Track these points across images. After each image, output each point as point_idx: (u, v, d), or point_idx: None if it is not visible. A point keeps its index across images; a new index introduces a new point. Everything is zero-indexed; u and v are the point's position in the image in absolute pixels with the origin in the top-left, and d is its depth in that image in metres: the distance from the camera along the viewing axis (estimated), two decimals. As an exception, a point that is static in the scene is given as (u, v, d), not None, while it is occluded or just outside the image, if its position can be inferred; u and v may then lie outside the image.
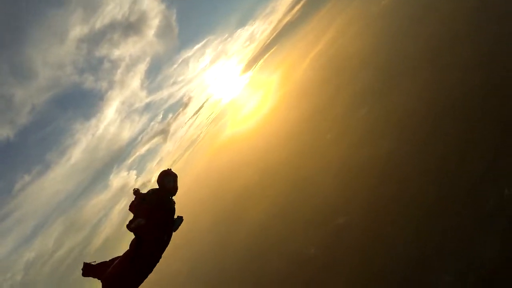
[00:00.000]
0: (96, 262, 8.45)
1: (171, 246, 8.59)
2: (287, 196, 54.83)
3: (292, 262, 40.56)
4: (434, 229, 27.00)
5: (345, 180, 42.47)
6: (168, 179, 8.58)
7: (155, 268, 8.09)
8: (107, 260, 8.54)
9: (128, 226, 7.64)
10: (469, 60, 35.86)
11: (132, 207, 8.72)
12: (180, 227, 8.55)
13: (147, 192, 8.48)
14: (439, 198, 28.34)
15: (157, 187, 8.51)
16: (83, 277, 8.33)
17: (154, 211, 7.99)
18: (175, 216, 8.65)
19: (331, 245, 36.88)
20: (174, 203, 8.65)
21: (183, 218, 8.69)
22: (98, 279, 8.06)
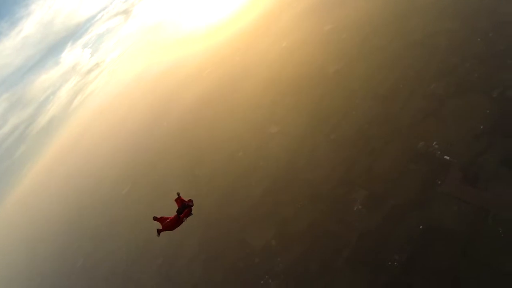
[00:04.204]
0: (160, 216, 17.06)
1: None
2: (227, 99, 54.52)
3: (223, 162, 40.94)
4: (367, 149, 27.65)
5: (291, 91, 42.10)
6: (191, 204, 16.97)
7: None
8: (165, 216, 17.03)
9: (182, 216, 16.46)
10: (445, 10, 34.76)
11: (178, 203, 17.11)
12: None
13: (185, 204, 16.83)
14: (380, 121, 28.91)
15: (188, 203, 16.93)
16: (153, 220, 16.77)
17: (187, 211, 16.52)
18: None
19: (258, 150, 37.61)
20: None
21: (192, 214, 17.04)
22: (160, 223, 16.61)
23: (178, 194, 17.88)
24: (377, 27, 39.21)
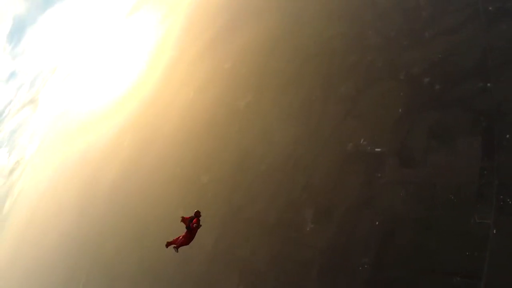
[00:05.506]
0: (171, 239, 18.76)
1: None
2: (150, 162, 53.31)
3: (166, 224, 39.68)
4: (299, 168, 27.46)
5: (209, 136, 42.07)
6: (198, 219, 18.42)
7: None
8: (176, 237, 18.75)
9: (194, 228, 18.28)
10: (335, 12, 35.76)
11: (185, 222, 18.43)
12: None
13: (192, 217, 18.48)
14: (303, 138, 28.97)
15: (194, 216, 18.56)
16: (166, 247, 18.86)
17: (196, 220, 18.23)
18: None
19: (197, 204, 36.34)
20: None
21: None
22: (173, 244, 18.46)
23: (181, 217, 19.33)
24: (274, 50, 39.87)
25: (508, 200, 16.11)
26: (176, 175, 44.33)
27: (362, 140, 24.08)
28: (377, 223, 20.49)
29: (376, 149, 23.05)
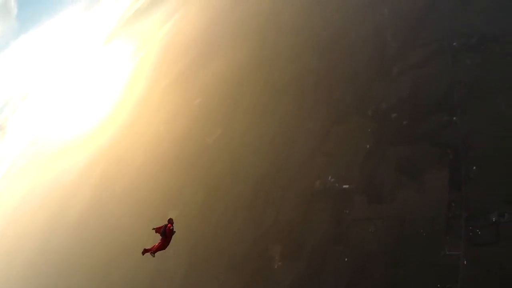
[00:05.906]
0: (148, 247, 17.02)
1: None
2: (118, 197, 52.04)
3: (132, 259, 38.33)
4: (267, 204, 27.27)
5: (178, 170, 41.56)
6: (172, 225, 16.86)
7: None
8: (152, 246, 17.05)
9: (169, 232, 16.71)
10: (304, 48, 36.46)
11: (159, 231, 16.99)
12: None
13: (165, 225, 16.86)
14: (271, 174, 28.82)
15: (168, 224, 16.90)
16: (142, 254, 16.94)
17: (170, 226, 16.56)
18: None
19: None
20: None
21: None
22: (151, 250, 16.62)
23: (153, 228, 18.50)
24: (244, 86, 40.45)
25: (477, 230, 16.20)
26: (145, 208, 42.96)
27: (330, 177, 23.91)
28: (346, 259, 20.19)
29: (344, 186, 22.93)
